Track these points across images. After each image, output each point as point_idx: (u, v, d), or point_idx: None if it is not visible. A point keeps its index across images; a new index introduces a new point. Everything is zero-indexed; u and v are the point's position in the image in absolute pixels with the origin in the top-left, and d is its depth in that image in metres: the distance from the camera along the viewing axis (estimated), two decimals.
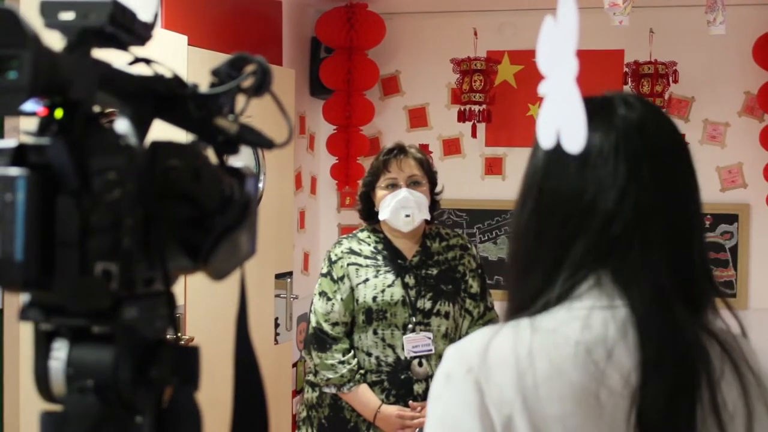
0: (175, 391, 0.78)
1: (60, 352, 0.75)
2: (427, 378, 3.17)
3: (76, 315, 0.72)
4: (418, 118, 5.56)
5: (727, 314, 1.26)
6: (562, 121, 0.98)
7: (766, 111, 4.93)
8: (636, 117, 1.22)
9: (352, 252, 3.28)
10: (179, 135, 0.84)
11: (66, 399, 0.75)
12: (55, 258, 0.69)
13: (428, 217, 3.26)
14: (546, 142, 1.03)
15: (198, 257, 0.79)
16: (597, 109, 1.20)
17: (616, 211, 1.17)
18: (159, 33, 3.52)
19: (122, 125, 0.78)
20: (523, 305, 1.20)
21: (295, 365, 5.18)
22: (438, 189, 3.36)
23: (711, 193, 5.12)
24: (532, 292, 1.21)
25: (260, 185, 4.33)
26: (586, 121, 0.97)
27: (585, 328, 1.14)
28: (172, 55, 3.50)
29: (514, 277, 1.27)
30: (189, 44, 3.66)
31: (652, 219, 1.18)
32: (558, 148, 1.17)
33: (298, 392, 5.21)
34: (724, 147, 5.15)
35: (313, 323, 3.24)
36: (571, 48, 0.95)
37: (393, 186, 3.23)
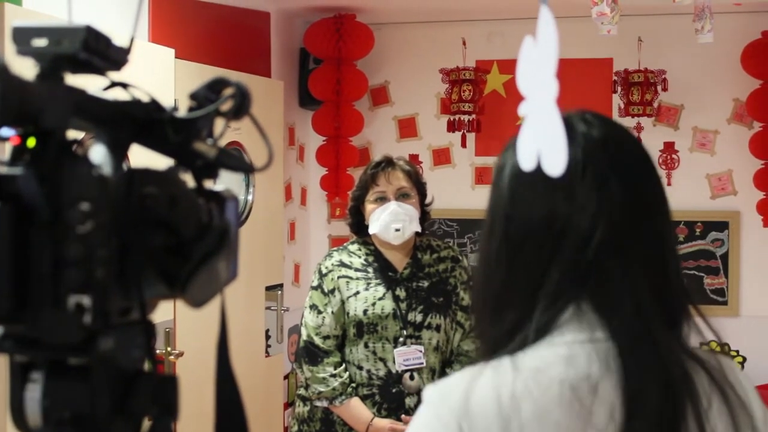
0: (154, 421, 0.77)
1: (36, 383, 0.73)
2: (419, 391, 3.16)
3: (50, 347, 0.71)
4: (407, 128, 5.56)
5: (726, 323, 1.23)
6: (543, 143, 0.97)
7: (755, 118, 4.93)
8: (597, 134, 1.19)
9: (342, 264, 3.27)
10: (157, 160, 0.83)
11: (43, 431, 0.74)
12: (28, 291, 0.67)
13: (419, 230, 3.25)
14: (526, 164, 1.02)
15: (176, 285, 0.77)
16: None
17: (590, 234, 1.13)
18: (146, 46, 3.51)
19: (98, 152, 0.77)
20: (501, 343, 1.16)
21: (286, 377, 5.16)
22: (428, 200, 3.35)
23: (701, 201, 5.13)
24: (509, 328, 1.16)
25: (250, 197, 4.31)
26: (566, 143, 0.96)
27: (568, 365, 1.10)
28: (159, 68, 3.49)
29: (487, 313, 1.22)
30: (176, 57, 3.64)
31: (628, 239, 1.15)
32: (522, 172, 1.14)
33: (289, 405, 5.19)
34: (714, 154, 5.16)
35: (304, 336, 3.23)
36: (551, 69, 0.94)
37: (382, 199, 3.22)
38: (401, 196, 3.23)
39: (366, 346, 3.18)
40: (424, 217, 3.33)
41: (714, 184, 5.15)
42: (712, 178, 5.15)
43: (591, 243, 1.13)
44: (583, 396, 1.09)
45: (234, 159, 0.85)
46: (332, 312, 3.20)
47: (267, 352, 4.55)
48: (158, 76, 3.43)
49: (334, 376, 3.15)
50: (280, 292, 4.64)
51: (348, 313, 3.20)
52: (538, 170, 1.14)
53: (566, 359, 1.11)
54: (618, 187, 1.15)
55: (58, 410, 0.73)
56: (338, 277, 3.24)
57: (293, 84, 5.39)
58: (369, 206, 3.25)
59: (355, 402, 3.16)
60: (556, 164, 0.93)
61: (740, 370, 1.24)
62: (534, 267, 1.16)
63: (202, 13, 4.29)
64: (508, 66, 5.28)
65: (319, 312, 3.22)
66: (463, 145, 5.26)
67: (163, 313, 3.40)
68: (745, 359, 4.90)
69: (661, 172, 1.25)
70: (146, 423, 0.77)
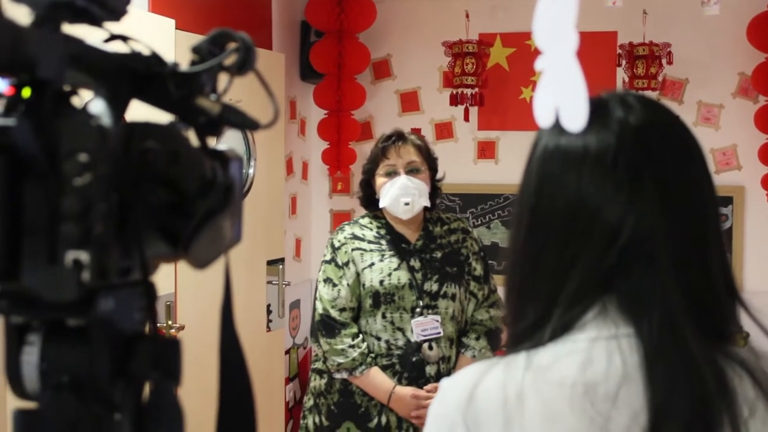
0: (156, 386, 0.74)
1: (33, 346, 0.70)
2: (438, 360, 3.19)
3: (48, 307, 0.67)
4: (409, 102, 5.51)
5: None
6: (562, 98, 0.93)
7: (760, 92, 4.89)
8: (635, 120, 1.10)
9: (355, 237, 3.28)
10: (158, 116, 0.79)
11: (40, 396, 0.71)
12: (22, 246, 0.64)
13: (428, 204, 3.25)
14: (544, 120, 0.98)
15: (178, 244, 0.74)
16: (590, 112, 1.07)
17: (617, 230, 1.06)
18: (146, 16, 3.47)
19: (97, 106, 0.73)
20: (524, 336, 1.10)
21: (287, 352, 5.14)
22: (439, 175, 3.34)
23: None
24: (531, 323, 1.10)
25: (251, 171, 4.28)
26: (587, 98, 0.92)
27: (586, 364, 1.04)
28: (159, 38, 3.44)
29: (513, 305, 1.16)
30: (176, 28, 3.60)
31: (659, 237, 1.06)
32: (552, 156, 1.09)
33: (291, 379, 5.18)
34: (719, 129, 5.12)
35: (320, 310, 3.23)
36: (570, 21, 0.90)
37: (392, 173, 3.23)
38: (411, 170, 3.23)
39: (384, 316, 3.18)
40: (435, 192, 3.33)
41: (718, 159, 5.12)
42: (717, 153, 5.12)
43: (618, 240, 1.06)
44: (599, 399, 1.03)
45: (239, 115, 0.81)
46: (347, 284, 3.20)
47: (268, 326, 4.53)
48: (158, 46, 3.38)
49: (352, 347, 3.15)
50: (281, 266, 4.62)
51: (363, 285, 3.20)
52: (568, 155, 1.09)
53: (584, 356, 1.05)
54: (652, 180, 1.07)
55: (56, 374, 0.70)
56: (352, 250, 3.24)
57: (294, 57, 5.34)
58: (379, 180, 3.26)
59: (375, 371, 3.16)
60: (576, 119, 0.90)
61: None
62: (558, 265, 1.10)
63: None
64: (512, 39, 5.23)
65: (334, 285, 3.21)
66: (466, 119, 5.21)
67: (163, 286, 3.37)
68: (748, 335, 4.88)
69: (711, 165, 1.15)
70: (147, 388, 0.74)
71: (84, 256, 0.64)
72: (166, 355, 0.74)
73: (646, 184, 1.07)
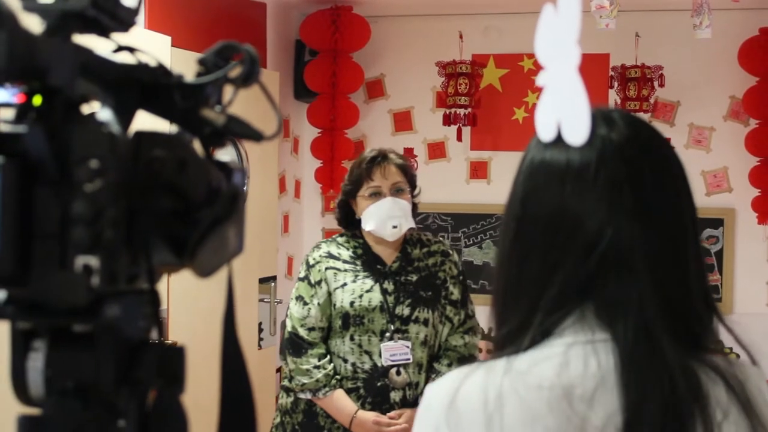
0: (160, 393, 0.75)
1: (38, 352, 0.71)
2: (405, 387, 3.13)
3: (55, 313, 0.68)
4: (402, 121, 5.53)
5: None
6: (564, 112, 0.95)
7: (751, 115, 4.92)
8: (617, 137, 1.14)
9: (330, 256, 3.21)
10: (164, 126, 0.80)
11: (45, 402, 0.71)
12: (33, 252, 0.65)
13: (414, 225, 3.20)
14: (546, 134, 0.99)
15: (184, 252, 0.75)
16: None
17: (596, 240, 1.09)
18: (142, 33, 3.48)
19: (104, 115, 0.74)
20: (507, 341, 1.14)
21: (278, 370, 5.14)
22: (416, 192, 3.27)
23: (696, 198, 5.09)
24: (514, 329, 1.13)
25: (244, 188, 4.28)
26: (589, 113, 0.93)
27: (563, 367, 1.07)
28: (156, 55, 3.46)
29: (497, 310, 1.19)
30: (172, 45, 3.62)
31: (636, 247, 1.10)
32: (536, 173, 1.13)
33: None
34: (710, 151, 5.15)
35: (289, 328, 3.17)
36: (573, 36, 0.92)
37: (376, 195, 3.14)
38: (396, 191, 3.16)
39: (352, 338, 3.12)
40: (414, 209, 3.26)
41: (709, 181, 5.14)
42: (708, 175, 5.14)
43: (595, 250, 1.09)
44: (574, 400, 1.06)
45: (243, 126, 0.82)
46: (318, 303, 3.14)
47: (259, 344, 4.53)
48: None
49: (318, 367, 3.09)
50: (273, 284, 4.62)
51: (334, 305, 3.14)
52: (552, 168, 1.12)
53: (561, 360, 1.08)
54: (631, 194, 1.11)
55: (61, 380, 0.70)
56: (326, 269, 3.17)
57: (288, 76, 5.36)
58: (363, 202, 3.16)
59: (339, 394, 3.10)
60: (578, 132, 0.91)
61: (764, 379, 1.19)
62: (540, 272, 1.13)
63: (199, 2, 4.26)
64: (505, 60, 5.26)
65: (305, 303, 3.15)
66: (459, 139, 5.24)
67: None
68: (738, 356, 4.89)
69: (691, 181, 1.18)
70: (152, 394, 0.75)
71: (94, 261, 0.65)
72: (171, 362, 0.75)
73: (625, 197, 1.11)
